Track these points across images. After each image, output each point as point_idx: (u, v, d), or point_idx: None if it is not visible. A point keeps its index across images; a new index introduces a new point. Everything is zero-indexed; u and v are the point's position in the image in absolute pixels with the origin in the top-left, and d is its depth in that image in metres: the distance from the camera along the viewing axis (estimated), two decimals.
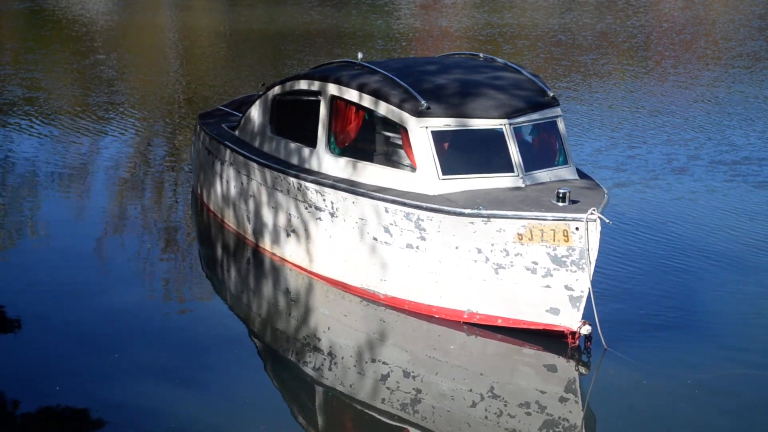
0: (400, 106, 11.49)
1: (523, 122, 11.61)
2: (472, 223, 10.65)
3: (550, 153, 11.90)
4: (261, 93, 13.72)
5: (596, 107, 23.11)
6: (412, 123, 11.39)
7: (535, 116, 11.73)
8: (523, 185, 11.20)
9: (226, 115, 15.58)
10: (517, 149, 11.30)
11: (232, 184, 13.73)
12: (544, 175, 11.46)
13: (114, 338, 10.65)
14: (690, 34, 36.24)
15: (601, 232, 10.25)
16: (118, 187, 16.52)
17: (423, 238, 11.08)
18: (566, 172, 11.69)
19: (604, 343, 10.40)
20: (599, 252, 10.30)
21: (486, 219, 10.57)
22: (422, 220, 11.02)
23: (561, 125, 11.97)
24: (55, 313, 11.26)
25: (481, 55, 13.41)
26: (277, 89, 13.28)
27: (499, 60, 12.93)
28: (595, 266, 10.45)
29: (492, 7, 41.74)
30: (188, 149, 18.73)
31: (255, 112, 13.67)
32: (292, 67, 27.57)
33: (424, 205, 10.95)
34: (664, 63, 29.90)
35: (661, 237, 14.06)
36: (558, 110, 12.01)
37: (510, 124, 11.39)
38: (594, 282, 10.83)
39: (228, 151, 13.68)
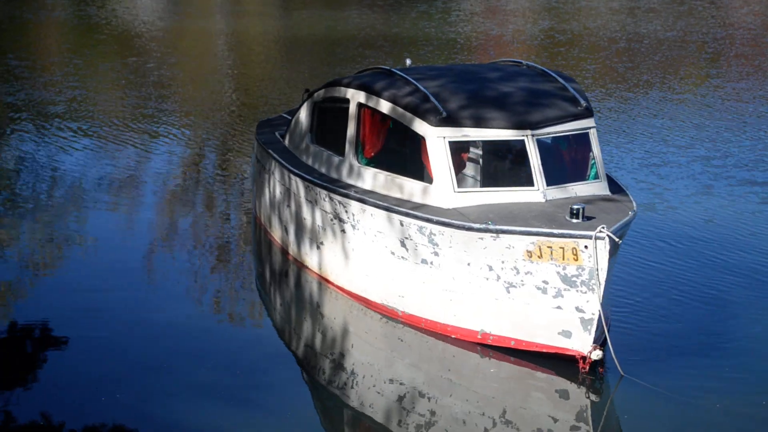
0: (418, 115, 11.34)
1: (549, 134, 11.31)
2: (482, 238, 10.49)
3: (579, 167, 11.57)
4: (304, 100, 13.75)
5: (642, 118, 22.42)
6: (429, 132, 11.24)
7: (562, 128, 11.40)
8: (543, 200, 10.91)
9: (285, 123, 15.48)
10: (539, 162, 11.02)
11: (275, 194, 13.78)
12: (569, 190, 11.17)
13: (162, 355, 10.75)
14: (760, 43, 34.82)
15: (619, 252, 9.98)
16: (167, 198, 16.64)
17: (436, 254, 10.98)
18: (595, 188, 11.35)
19: (619, 368, 10.14)
20: (616, 271, 10.13)
21: (495, 235, 10.38)
22: (434, 235, 10.89)
23: (594, 138, 11.56)
24: (102, 328, 11.38)
25: (523, 62, 13.08)
26: (314, 97, 13.31)
27: (539, 68, 12.63)
28: (613, 286, 10.25)
29: (551, 14, 40.60)
30: (240, 159, 18.84)
31: (296, 120, 13.76)
32: (348, 73, 27.41)
33: (435, 218, 10.81)
34: (721, 74, 28.71)
35: (686, 257, 13.70)
36: (591, 122, 11.60)
37: (533, 136, 11.12)
38: (612, 303, 10.66)
39: (271, 160, 13.70)
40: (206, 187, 17.31)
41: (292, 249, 13.41)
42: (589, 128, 11.57)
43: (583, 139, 11.54)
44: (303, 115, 13.52)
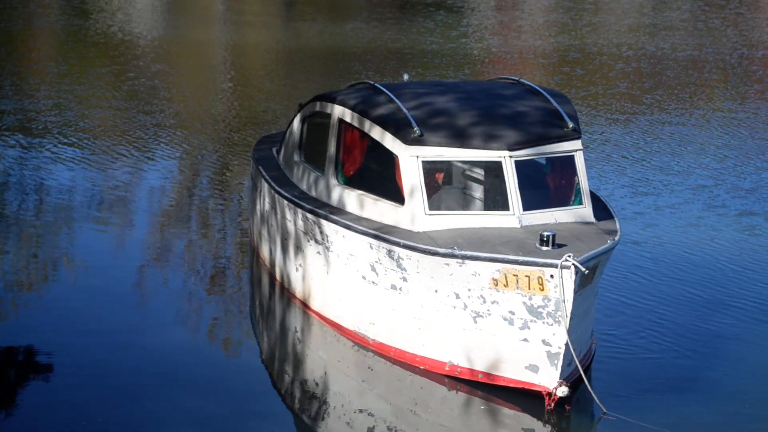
0: (393, 133, 11.00)
1: (528, 155, 10.84)
2: (448, 264, 10.14)
3: (562, 191, 11.12)
4: (295, 114, 13.43)
5: (643, 142, 21.50)
6: (402, 151, 10.89)
7: (545, 149, 10.96)
8: (518, 226, 10.49)
9: None
10: (516, 185, 10.59)
11: (264, 213, 13.45)
12: (548, 215, 10.72)
13: (153, 384, 10.57)
14: None
15: (600, 282, 9.65)
16: (161, 218, 16.32)
17: (405, 279, 10.67)
18: (578, 214, 10.90)
19: (600, 403, 9.79)
20: (600, 303, 9.73)
21: (461, 261, 10.01)
22: (402, 259, 10.57)
23: (579, 161, 11.09)
24: (90, 354, 11.16)
25: (519, 80, 12.60)
26: (301, 112, 13.04)
27: (533, 86, 12.16)
28: (597, 318, 9.94)
29: (562, 31, 39.16)
30: (239, 176, 18.51)
31: (287, 136, 13.49)
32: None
33: (402, 242, 10.47)
34: (733, 97, 27.42)
35: (673, 289, 13.31)
36: (577, 144, 11.12)
37: (511, 157, 10.67)
38: (597, 336, 10.38)
39: (260, 177, 13.42)
40: (202, 205, 16.99)
41: (276, 271, 13.15)
42: (575, 151, 11.11)
43: (567, 162, 11.09)
44: (292, 130, 13.27)
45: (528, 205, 10.66)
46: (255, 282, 13.65)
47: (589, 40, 37.13)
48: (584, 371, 10.16)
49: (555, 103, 11.51)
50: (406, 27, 39.59)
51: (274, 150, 14.31)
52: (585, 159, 11.31)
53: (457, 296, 10.29)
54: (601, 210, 11.42)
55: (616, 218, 11.24)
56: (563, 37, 38.32)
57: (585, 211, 11.02)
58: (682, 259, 14.42)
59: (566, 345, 9.75)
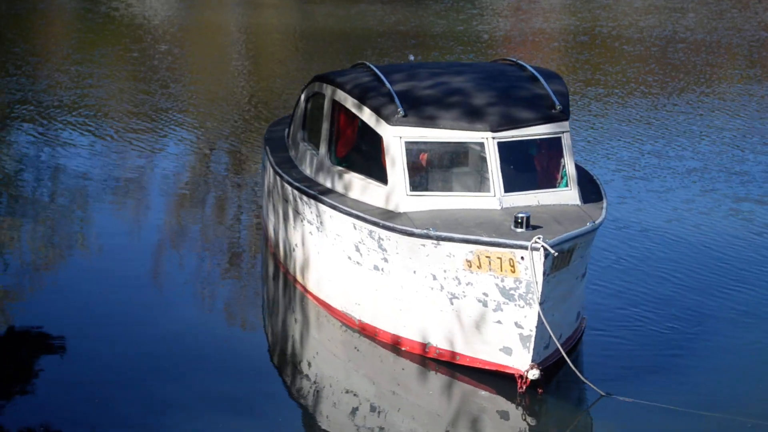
0: (378, 113, 11.11)
1: (512, 137, 10.82)
2: (424, 245, 10.25)
3: (547, 174, 11.10)
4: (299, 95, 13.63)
5: (641, 124, 21.31)
6: (386, 131, 11.00)
7: (530, 131, 10.94)
8: (499, 207, 10.54)
9: None
10: (498, 167, 10.63)
11: (268, 193, 13.63)
12: (530, 197, 10.73)
13: (168, 364, 10.82)
14: None
15: (588, 265, 9.64)
16: (176, 200, 16.54)
17: (386, 260, 10.80)
18: (563, 197, 10.90)
19: (584, 378, 9.98)
20: (590, 285, 9.70)
21: (436, 242, 10.11)
22: (383, 240, 10.68)
23: (566, 142, 11.04)
24: (106, 335, 11.37)
25: (517, 62, 12.56)
26: (304, 93, 13.20)
27: (528, 67, 12.12)
28: (586, 298, 10.02)
29: (574, 14, 39.07)
30: (254, 158, 18.65)
31: (292, 117, 13.66)
32: None
33: (381, 222, 10.59)
34: (742, 81, 27.11)
35: (659, 272, 13.44)
36: (563, 126, 11.06)
37: (494, 138, 10.71)
38: (587, 314, 10.59)
39: (266, 158, 13.59)
40: (217, 187, 17.16)
41: (279, 251, 13.33)
42: (561, 132, 11.09)
43: (553, 143, 11.07)
44: (296, 111, 13.47)
45: (510, 186, 10.70)
46: (265, 264, 13.87)
47: (599, 23, 36.68)
48: (569, 353, 10.32)
49: (545, 84, 11.50)
50: (415, 9, 39.29)
51: (285, 131, 14.44)
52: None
53: (434, 277, 10.41)
54: (593, 193, 11.42)
55: (604, 201, 11.18)
56: (573, 19, 37.96)
57: (570, 193, 11.01)
58: (674, 242, 14.59)
59: (538, 327, 9.85)
